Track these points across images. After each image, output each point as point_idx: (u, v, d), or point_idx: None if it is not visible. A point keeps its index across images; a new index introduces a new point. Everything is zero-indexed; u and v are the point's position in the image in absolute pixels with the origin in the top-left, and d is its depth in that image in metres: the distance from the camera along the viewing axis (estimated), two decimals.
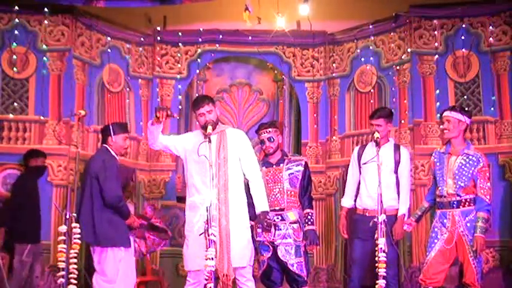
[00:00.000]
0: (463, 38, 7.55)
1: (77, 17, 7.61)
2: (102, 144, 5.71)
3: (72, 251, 4.90)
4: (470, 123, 5.53)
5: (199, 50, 8.50)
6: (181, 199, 7.22)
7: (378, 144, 5.42)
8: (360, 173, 5.87)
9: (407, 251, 7.38)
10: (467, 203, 5.29)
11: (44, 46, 7.48)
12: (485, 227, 5.21)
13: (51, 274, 7.00)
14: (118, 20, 8.18)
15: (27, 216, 6.72)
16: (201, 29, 8.50)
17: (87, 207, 5.43)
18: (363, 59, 8.19)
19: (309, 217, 5.69)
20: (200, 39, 8.47)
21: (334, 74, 8.46)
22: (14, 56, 7.37)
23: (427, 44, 7.66)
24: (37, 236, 6.84)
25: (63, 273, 4.83)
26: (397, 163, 5.77)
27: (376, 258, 5.00)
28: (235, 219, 5.14)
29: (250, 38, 8.46)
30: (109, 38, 8.03)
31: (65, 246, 4.83)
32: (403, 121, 7.67)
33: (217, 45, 8.51)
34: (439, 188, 5.41)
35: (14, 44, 7.37)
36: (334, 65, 8.46)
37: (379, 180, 5.09)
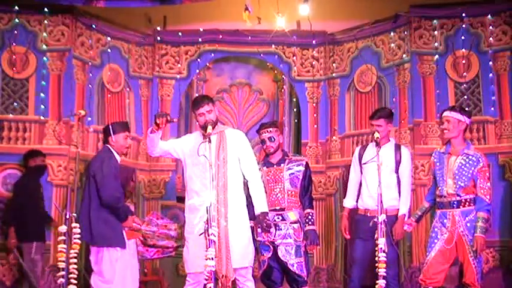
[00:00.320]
0: (463, 38, 7.55)
1: (77, 17, 7.61)
2: (104, 144, 5.71)
3: (72, 251, 4.89)
4: (470, 123, 5.52)
5: (199, 50, 8.50)
6: (181, 199, 7.20)
7: (378, 145, 5.43)
8: (361, 174, 5.88)
9: (407, 251, 7.39)
10: (467, 203, 5.29)
11: (44, 46, 7.49)
12: (485, 227, 5.21)
13: (51, 274, 7.01)
14: (118, 20, 8.18)
15: (30, 215, 6.73)
16: (201, 29, 8.50)
17: (85, 207, 5.42)
18: (363, 59, 8.19)
19: (310, 217, 5.69)
20: (200, 39, 8.47)
21: (334, 74, 8.46)
22: (14, 56, 7.37)
23: (427, 44, 7.66)
24: (42, 234, 6.85)
25: (63, 273, 4.83)
26: (397, 163, 5.77)
27: (376, 258, 5.01)
28: (234, 219, 5.14)
29: (250, 38, 8.46)
30: (109, 38, 8.03)
31: (65, 246, 4.83)
32: (403, 121, 7.67)
33: (217, 45, 8.52)
34: (439, 188, 5.41)
35: (14, 44, 7.37)
36: (334, 65, 8.46)
37: (379, 180, 5.09)
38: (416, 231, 7.02)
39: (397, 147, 5.87)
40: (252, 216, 5.62)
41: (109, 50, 8.02)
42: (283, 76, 8.72)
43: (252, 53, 8.64)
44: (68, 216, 4.88)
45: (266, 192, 5.62)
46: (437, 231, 5.38)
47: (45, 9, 7.47)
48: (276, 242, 5.61)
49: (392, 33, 7.94)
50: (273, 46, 8.53)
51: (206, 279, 4.43)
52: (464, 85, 7.52)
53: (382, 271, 4.96)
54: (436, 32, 7.64)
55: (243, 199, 5.30)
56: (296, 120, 8.74)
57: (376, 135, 5.51)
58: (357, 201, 5.92)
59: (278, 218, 5.63)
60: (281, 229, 5.62)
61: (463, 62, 7.52)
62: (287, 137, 8.63)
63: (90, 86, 7.74)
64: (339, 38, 8.46)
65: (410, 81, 7.68)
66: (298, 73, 8.55)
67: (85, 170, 7.07)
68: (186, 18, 8.65)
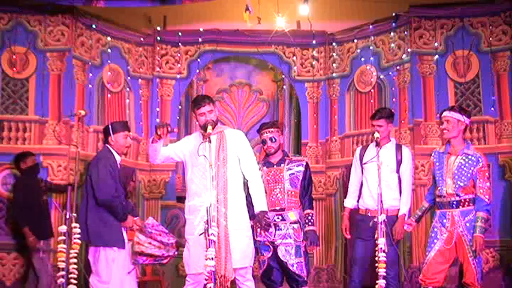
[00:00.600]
0: (463, 38, 7.55)
1: (77, 17, 7.61)
2: (104, 144, 5.71)
3: (72, 251, 4.89)
4: (469, 123, 5.52)
5: (199, 50, 8.50)
6: (181, 199, 7.21)
7: (378, 145, 5.43)
8: (362, 174, 5.88)
9: (407, 251, 7.39)
10: (466, 203, 5.29)
11: (44, 46, 7.49)
12: (484, 227, 5.21)
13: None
14: (118, 20, 8.19)
15: (31, 215, 6.72)
16: (201, 29, 8.51)
17: (82, 206, 5.42)
18: (363, 59, 8.20)
19: (310, 217, 5.69)
20: (200, 39, 8.47)
21: (334, 74, 8.46)
22: (14, 56, 7.37)
23: (427, 44, 7.66)
24: (46, 232, 6.84)
25: (63, 273, 4.83)
26: (398, 163, 5.77)
27: (376, 258, 5.01)
28: (234, 220, 5.14)
29: (250, 38, 8.46)
30: (109, 38, 8.04)
31: (65, 246, 4.83)
32: (403, 121, 7.67)
33: (217, 45, 8.52)
34: (439, 188, 5.41)
35: (14, 44, 7.38)
36: (334, 65, 8.46)
37: (379, 180, 5.09)
38: (416, 231, 7.02)
39: (398, 147, 5.87)
40: (252, 216, 5.64)
41: (109, 50, 8.03)
42: (283, 76, 8.72)
43: (252, 53, 8.65)
44: (68, 216, 4.88)
45: (266, 193, 5.61)
46: (436, 231, 5.38)
47: (45, 9, 7.47)
48: (275, 242, 5.61)
49: (392, 33, 7.94)
50: (273, 46, 8.53)
51: (206, 279, 4.42)
52: (464, 85, 7.52)
53: (382, 271, 4.97)
54: (436, 32, 7.64)
55: (243, 199, 5.31)
56: (296, 120, 8.74)
57: (376, 135, 5.51)
58: (357, 201, 5.92)
59: (278, 218, 5.63)
60: (281, 229, 5.62)
61: (463, 62, 7.52)
62: (287, 137, 8.64)
63: (90, 86, 7.75)
64: (339, 38, 8.46)
65: (410, 81, 7.68)
66: (298, 73, 8.55)
67: (85, 170, 7.09)
68: (186, 18, 8.65)
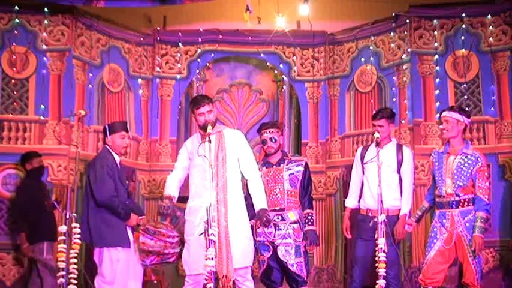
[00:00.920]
0: (463, 38, 7.55)
1: (77, 17, 7.61)
2: (104, 144, 5.72)
3: (72, 251, 4.90)
4: (469, 123, 5.52)
5: (199, 50, 8.50)
6: (182, 199, 7.20)
7: (378, 144, 5.43)
8: (363, 174, 5.88)
9: (407, 251, 7.39)
10: (466, 203, 5.29)
11: (44, 46, 7.49)
12: (484, 227, 5.21)
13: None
14: (118, 20, 8.18)
15: (34, 216, 6.71)
16: (201, 29, 8.51)
17: (84, 207, 5.44)
18: (363, 59, 8.20)
19: (309, 217, 5.69)
20: (200, 39, 8.47)
21: (334, 74, 8.46)
22: (14, 56, 7.38)
23: (427, 44, 7.66)
24: (50, 233, 6.83)
25: (63, 273, 4.83)
26: (399, 163, 5.77)
27: (376, 258, 5.01)
28: (234, 219, 5.14)
29: (250, 38, 8.46)
30: (109, 38, 8.03)
31: (65, 246, 4.83)
32: (403, 121, 7.67)
33: (217, 45, 8.52)
34: (438, 188, 5.41)
35: (14, 44, 7.38)
36: (334, 65, 8.46)
37: (378, 180, 5.09)
38: (416, 231, 7.02)
39: (399, 147, 5.87)
40: (251, 216, 5.64)
41: (109, 50, 8.02)
42: (283, 76, 8.72)
43: (252, 53, 8.64)
44: (68, 216, 4.88)
45: (266, 193, 5.62)
46: (436, 231, 5.38)
47: (45, 9, 7.47)
48: (275, 242, 5.61)
49: (392, 33, 7.94)
50: (273, 46, 8.53)
51: (206, 280, 4.42)
52: (464, 85, 7.52)
53: (382, 271, 4.97)
54: (436, 32, 7.64)
55: (242, 199, 5.31)
56: (296, 120, 8.74)
57: (376, 135, 5.52)
58: (358, 201, 5.92)
59: (278, 218, 5.63)
60: (281, 229, 5.62)
61: (463, 62, 7.52)
62: (287, 137, 8.63)
63: (90, 86, 7.74)
64: (339, 38, 8.46)
65: (410, 81, 7.68)
66: (298, 73, 8.55)
67: (85, 170, 7.10)
68: (186, 18, 8.65)
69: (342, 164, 8.16)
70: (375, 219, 5.07)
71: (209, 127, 4.97)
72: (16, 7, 7.40)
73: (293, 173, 5.71)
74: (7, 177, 7.20)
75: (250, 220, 5.55)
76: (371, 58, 8.11)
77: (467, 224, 5.25)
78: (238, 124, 8.72)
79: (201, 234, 4.47)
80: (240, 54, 8.73)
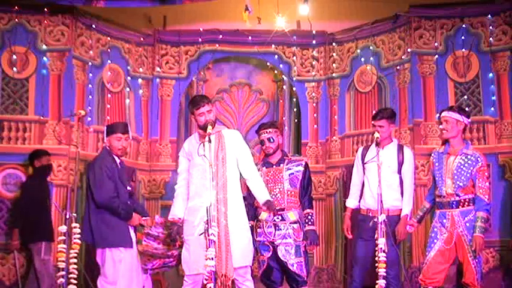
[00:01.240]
0: (463, 38, 7.55)
1: (77, 17, 7.61)
2: (104, 145, 5.75)
3: (72, 251, 4.90)
4: (468, 123, 5.52)
5: (199, 50, 8.50)
6: None
7: (378, 145, 5.43)
8: (364, 174, 5.88)
9: (407, 251, 7.39)
10: (466, 203, 5.29)
11: (44, 46, 7.49)
12: (484, 227, 5.21)
13: None
14: (118, 20, 8.19)
15: (35, 216, 6.72)
16: (201, 29, 8.51)
17: (86, 208, 5.46)
18: (363, 59, 8.20)
19: (309, 217, 5.69)
20: (200, 39, 8.48)
21: (334, 74, 8.46)
22: (14, 56, 7.38)
23: (427, 44, 7.66)
24: (49, 234, 6.84)
25: (63, 273, 4.83)
26: (400, 163, 5.77)
27: (376, 258, 5.01)
28: (234, 219, 5.13)
29: (250, 38, 8.47)
30: (109, 38, 8.04)
31: (65, 246, 4.83)
32: (403, 121, 7.67)
33: (217, 45, 8.52)
34: (438, 188, 5.41)
35: (14, 44, 7.38)
36: (334, 65, 8.46)
37: (378, 180, 5.09)
38: (416, 231, 7.01)
39: (400, 148, 5.87)
40: (251, 216, 5.64)
41: (109, 50, 8.03)
42: (283, 76, 8.72)
43: (252, 53, 8.65)
44: (68, 216, 4.88)
45: None
46: (436, 231, 5.38)
47: (45, 9, 7.47)
48: (275, 242, 5.61)
49: (392, 33, 7.94)
50: (273, 46, 8.53)
51: (206, 279, 4.42)
52: (464, 85, 7.52)
53: (382, 271, 4.97)
54: (436, 32, 7.64)
55: (242, 199, 5.30)
56: (296, 120, 8.74)
57: (376, 135, 5.51)
58: (359, 202, 5.92)
59: (278, 218, 5.63)
60: (281, 229, 5.61)
61: (463, 62, 7.52)
62: (287, 137, 8.63)
63: (90, 86, 7.75)
64: (339, 38, 8.47)
65: (410, 81, 7.68)
66: (298, 73, 8.55)
67: (85, 170, 7.10)
68: (186, 18, 8.66)
69: (342, 164, 8.16)
70: (375, 219, 5.07)
71: (209, 127, 4.97)
72: (16, 7, 7.40)
73: (293, 173, 5.70)
74: (7, 177, 7.21)
75: (251, 220, 5.58)
76: (371, 58, 8.11)
77: (467, 224, 5.25)
78: (238, 124, 8.72)
79: (201, 234, 4.47)
80: (240, 54, 8.74)
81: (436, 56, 7.61)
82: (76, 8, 7.55)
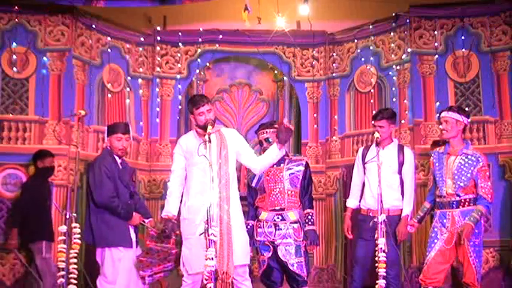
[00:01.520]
0: (463, 38, 7.55)
1: (77, 17, 7.61)
2: (105, 145, 5.77)
3: (72, 251, 4.90)
4: (468, 123, 5.51)
5: (199, 50, 8.50)
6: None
7: (378, 145, 5.43)
8: (364, 174, 5.88)
9: (407, 251, 7.39)
10: (466, 203, 5.29)
11: (44, 46, 7.49)
12: (478, 219, 5.18)
13: None
14: (118, 20, 8.19)
15: (36, 216, 6.73)
16: (201, 29, 8.51)
17: (86, 208, 5.48)
18: (363, 59, 8.20)
19: (310, 217, 5.68)
20: (200, 39, 8.48)
21: (334, 74, 8.46)
22: (14, 56, 7.38)
23: (427, 44, 7.67)
24: (50, 233, 6.84)
25: (63, 273, 4.83)
26: (400, 164, 5.77)
27: (376, 258, 5.01)
28: (235, 217, 5.13)
29: (250, 38, 8.47)
30: (109, 38, 8.04)
31: (65, 246, 4.83)
32: (403, 121, 7.67)
33: (217, 45, 8.52)
34: (439, 188, 5.41)
35: (14, 44, 7.38)
36: (334, 65, 8.46)
37: (378, 180, 5.09)
38: (417, 231, 7.01)
39: (400, 148, 5.87)
40: (251, 216, 5.65)
41: (109, 50, 8.03)
42: (283, 76, 8.72)
43: (252, 53, 8.65)
44: (68, 216, 4.89)
45: (266, 192, 5.63)
46: (437, 231, 5.38)
47: (45, 9, 7.47)
48: (275, 242, 5.61)
49: (392, 33, 7.94)
50: (273, 46, 8.53)
51: (206, 279, 4.42)
52: (464, 85, 7.52)
53: (382, 271, 4.97)
54: (436, 32, 7.64)
55: (238, 197, 5.28)
56: (296, 120, 8.74)
57: (376, 135, 5.51)
58: (360, 201, 5.92)
59: (278, 218, 5.63)
60: (281, 229, 5.61)
61: (463, 62, 7.53)
62: None
63: (90, 86, 7.75)
64: (339, 38, 8.47)
65: (410, 81, 7.68)
66: (298, 73, 8.55)
67: (85, 170, 7.09)
68: (186, 18, 8.66)
69: (342, 164, 8.16)
70: (375, 219, 5.07)
71: (209, 127, 4.96)
72: (16, 7, 7.40)
73: (293, 173, 5.70)
74: (7, 177, 7.21)
75: (251, 220, 5.63)
76: (371, 58, 8.11)
77: None
78: (238, 124, 8.72)
79: (201, 234, 4.46)
80: (240, 54, 8.74)
81: (436, 56, 7.62)
82: (76, 8, 7.55)
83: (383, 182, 5.18)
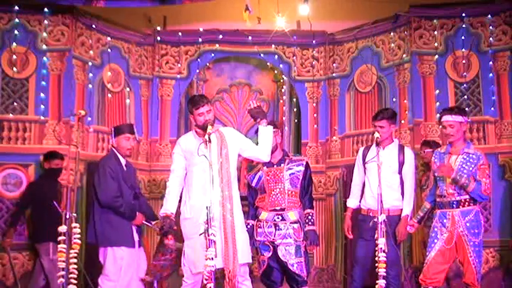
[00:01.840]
0: (463, 38, 7.56)
1: (77, 17, 7.61)
2: (111, 147, 5.79)
3: (72, 251, 4.90)
4: (468, 121, 5.51)
5: (199, 50, 8.50)
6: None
7: (378, 145, 5.42)
8: (365, 174, 5.87)
9: (407, 251, 7.39)
10: (467, 203, 5.29)
11: (44, 46, 7.49)
12: (466, 184, 5.17)
13: None
14: (118, 20, 8.19)
15: (42, 217, 6.72)
16: (201, 29, 8.51)
17: (91, 208, 5.52)
18: (363, 59, 8.19)
19: (310, 217, 5.68)
20: (200, 39, 8.48)
21: (334, 74, 8.47)
22: (14, 56, 7.38)
23: (427, 44, 7.67)
24: (56, 234, 6.82)
25: (63, 273, 4.83)
26: (401, 164, 5.76)
27: (376, 258, 5.01)
28: (237, 216, 5.12)
29: (250, 38, 8.47)
30: (109, 38, 8.04)
31: (65, 246, 4.83)
32: (403, 121, 7.68)
33: (217, 45, 8.53)
34: (439, 188, 5.40)
35: (14, 44, 7.38)
36: (334, 65, 8.47)
37: (378, 180, 5.09)
38: (417, 231, 7.01)
39: (401, 148, 5.86)
40: (251, 216, 5.65)
41: (109, 50, 8.03)
42: (283, 76, 8.72)
43: (252, 53, 8.65)
44: (68, 216, 4.89)
45: (266, 192, 5.63)
46: (437, 231, 5.37)
47: (45, 9, 7.47)
48: (276, 242, 5.60)
49: (392, 33, 7.95)
50: (273, 46, 8.53)
51: (206, 279, 4.41)
52: (464, 85, 7.53)
53: (382, 271, 4.96)
54: (436, 32, 7.65)
55: (239, 197, 5.28)
56: (296, 120, 8.74)
57: (376, 135, 5.50)
58: (360, 201, 5.92)
59: (278, 218, 5.62)
60: (281, 229, 5.61)
61: (463, 62, 7.53)
62: (287, 137, 8.63)
63: (90, 86, 7.75)
64: (339, 38, 8.47)
65: (410, 81, 7.68)
66: (298, 73, 8.55)
67: (85, 170, 7.09)
68: (186, 18, 8.66)
69: (342, 164, 8.16)
70: (375, 219, 5.07)
71: (209, 127, 4.96)
72: (16, 7, 7.40)
73: (294, 173, 5.70)
74: (7, 177, 7.21)
75: (251, 219, 5.64)
76: (371, 58, 8.11)
77: (467, 224, 5.24)
78: (238, 124, 8.73)
79: (201, 234, 4.46)
80: (240, 54, 8.74)
81: (436, 56, 7.62)
82: (76, 8, 7.55)
83: (383, 182, 5.18)
